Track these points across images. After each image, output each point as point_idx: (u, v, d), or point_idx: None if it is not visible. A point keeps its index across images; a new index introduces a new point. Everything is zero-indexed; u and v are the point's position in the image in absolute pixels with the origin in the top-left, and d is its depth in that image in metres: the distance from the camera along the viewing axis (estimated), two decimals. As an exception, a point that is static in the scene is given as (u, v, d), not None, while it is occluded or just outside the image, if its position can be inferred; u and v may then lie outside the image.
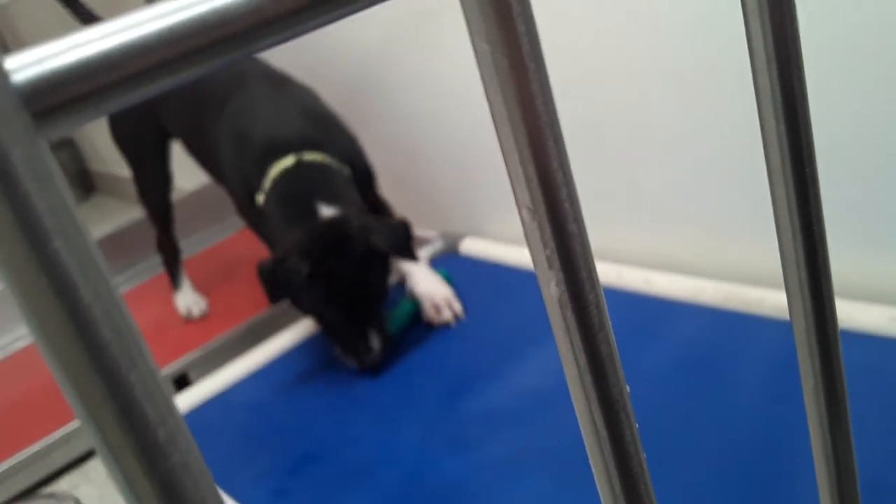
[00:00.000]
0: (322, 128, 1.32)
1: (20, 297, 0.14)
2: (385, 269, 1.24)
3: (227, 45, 0.16)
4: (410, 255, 1.23)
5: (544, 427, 1.00)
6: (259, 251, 1.54)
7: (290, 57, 1.44)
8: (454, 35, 1.39)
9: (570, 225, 0.20)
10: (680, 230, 1.23)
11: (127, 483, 0.14)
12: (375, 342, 1.21)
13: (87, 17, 1.56)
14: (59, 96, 0.15)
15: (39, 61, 0.15)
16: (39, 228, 0.14)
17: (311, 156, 1.26)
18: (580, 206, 0.20)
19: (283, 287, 1.19)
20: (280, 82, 1.39)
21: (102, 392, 0.14)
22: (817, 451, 0.32)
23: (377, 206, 1.43)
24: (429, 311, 1.30)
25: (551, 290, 0.20)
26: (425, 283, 1.32)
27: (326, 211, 1.21)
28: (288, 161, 1.25)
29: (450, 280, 1.36)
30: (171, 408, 0.15)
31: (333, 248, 1.18)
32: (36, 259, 0.14)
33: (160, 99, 1.46)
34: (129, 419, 0.15)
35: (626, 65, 1.16)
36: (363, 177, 1.37)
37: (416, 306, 1.32)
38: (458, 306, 1.30)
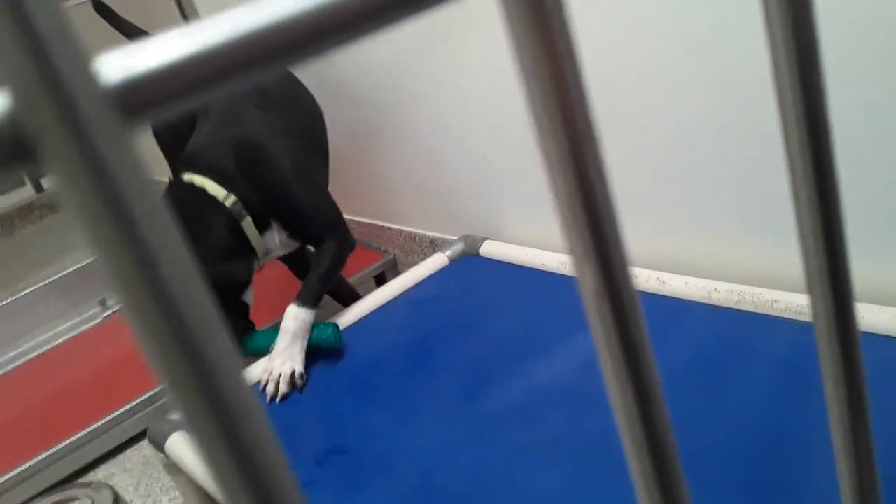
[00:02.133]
0: (247, 162, 1.33)
1: (112, 277, 0.16)
2: None
3: (299, 47, 0.17)
4: None
5: (560, 422, 1.01)
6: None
7: (316, 67, 1.46)
8: (476, 45, 1.41)
9: (605, 218, 0.21)
10: (693, 233, 1.23)
11: (207, 452, 0.16)
12: None
13: (132, 32, 1.62)
14: (144, 93, 0.16)
15: (126, 60, 0.16)
16: (128, 215, 0.15)
17: (195, 178, 1.30)
18: (614, 201, 0.21)
19: None
20: (268, 103, 1.41)
21: (183, 364, 0.16)
22: (838, 447, 0.33)
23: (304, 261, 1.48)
24: (262, 376, 1.29)
25: (587, 281, 0.21)
26: (279, 350, 1.30)
27: None
28: (179, 174, 1.33)
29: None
30: (243, 382, 0.16)
31: None
32: (126, 242, 0.16)
33: None
34: (206, 390, 0.16)
35: (636, 69, 1.17)
36: (287, 218, 1.38)
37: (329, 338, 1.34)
38: (283, 388, 1.26)
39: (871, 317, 0.95)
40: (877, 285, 1.02)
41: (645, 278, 1.20)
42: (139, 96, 0.16)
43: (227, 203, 1.30)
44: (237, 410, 0.16)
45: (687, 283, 1.15)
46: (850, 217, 1.00)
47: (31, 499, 1.41)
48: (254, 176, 1.33)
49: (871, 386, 0.33)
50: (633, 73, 1.17)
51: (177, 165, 1.35)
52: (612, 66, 1.19)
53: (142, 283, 0.15)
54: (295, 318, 1.32)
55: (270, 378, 1.28)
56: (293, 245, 1.44)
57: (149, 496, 1.45)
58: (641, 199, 1.27)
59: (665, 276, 1.18)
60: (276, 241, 1.39)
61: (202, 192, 1.30)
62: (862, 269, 1.02)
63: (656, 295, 1.17)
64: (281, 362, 1.28)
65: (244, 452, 0.16)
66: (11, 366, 1.90)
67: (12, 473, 1.47)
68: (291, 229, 1.39)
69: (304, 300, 1.34)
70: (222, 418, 0.16)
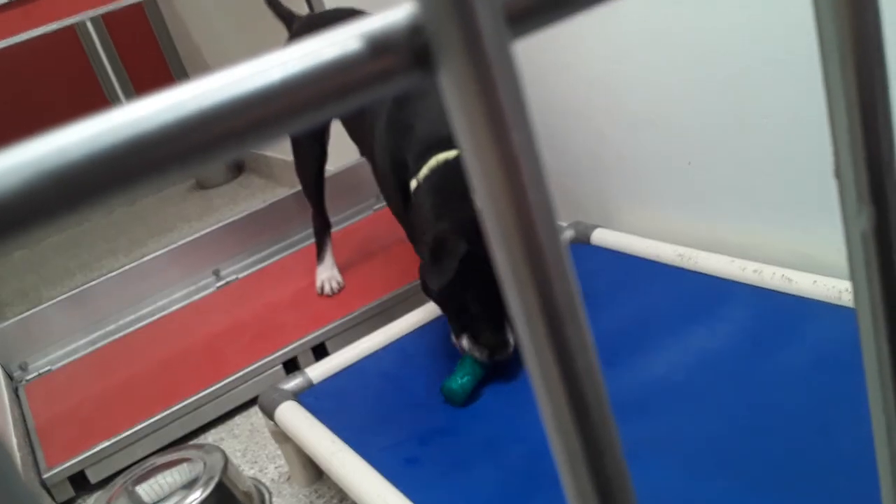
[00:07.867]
0: None
1: (482, 170, 0.17)
2: None
3: None
4: None
5: (671, 417, 1.00)
6: (395, 231, 1.59)
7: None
8: (592, 26, 1.39)
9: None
10: (823, 229, 1.19)
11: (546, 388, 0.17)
12: (512, 336, 1.19)
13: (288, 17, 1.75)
14: (526, 3, 0.17)
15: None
16: (503, 118, 0.16)
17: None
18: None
19: (441, 268, 1.16)
20: None
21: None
22: None
23: None
24: None
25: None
26: None
27: None
28: (450, 154, 1.27)
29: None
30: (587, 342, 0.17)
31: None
32: (499, 150, 0.16)
33: None
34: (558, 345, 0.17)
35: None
36: None
37: None
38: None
39: None
40: None
41: (769, 275, 1.16)
42: (522, 5, 0.17)
43: None
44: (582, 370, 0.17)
45: (815, 281, 1.12)
46: None
47: (147, 457, 1.47)
48: None
49: None
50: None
51: (429, 148, 1.30)
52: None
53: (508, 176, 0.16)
54: None
55: None
56: None
57: (255, 462, 1.50)
58: (781, 194, 1.23)
59: (792, 273, 1.15)
60: None
61: None
62: None
63: (781, 293, 1.14)
64: None
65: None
66: (130, 329, 1.99)
67: (130, 431, 1.54)
68: None
69: None
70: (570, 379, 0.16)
